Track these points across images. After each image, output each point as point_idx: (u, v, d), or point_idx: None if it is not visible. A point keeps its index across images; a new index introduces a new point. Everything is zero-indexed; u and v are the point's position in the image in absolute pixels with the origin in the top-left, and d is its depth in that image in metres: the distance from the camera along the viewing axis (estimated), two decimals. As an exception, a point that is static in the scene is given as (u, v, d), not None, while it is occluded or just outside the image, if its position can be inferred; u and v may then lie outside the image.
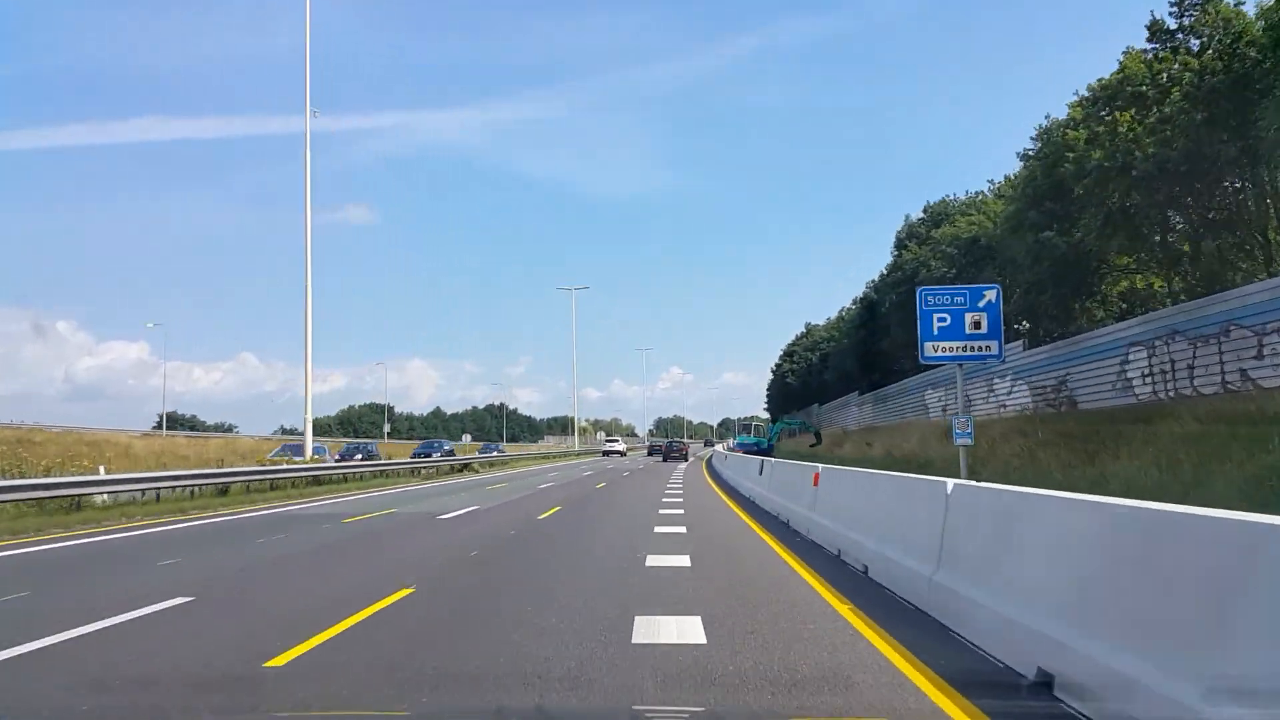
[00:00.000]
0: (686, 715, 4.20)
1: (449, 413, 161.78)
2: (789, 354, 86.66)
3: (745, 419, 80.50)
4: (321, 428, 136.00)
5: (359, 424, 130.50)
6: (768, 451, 48.53)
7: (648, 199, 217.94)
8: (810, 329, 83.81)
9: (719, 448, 70.17)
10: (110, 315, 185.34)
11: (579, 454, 76.00)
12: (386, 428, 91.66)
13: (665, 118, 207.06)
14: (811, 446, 49.66)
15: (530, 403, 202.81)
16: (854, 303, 60.45)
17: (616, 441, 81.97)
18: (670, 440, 77.57)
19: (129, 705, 4.61)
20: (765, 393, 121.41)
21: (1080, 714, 3.87)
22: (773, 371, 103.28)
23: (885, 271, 47.53)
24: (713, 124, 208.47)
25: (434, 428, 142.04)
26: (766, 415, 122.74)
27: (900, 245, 45.47)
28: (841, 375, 59.44)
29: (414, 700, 4.48)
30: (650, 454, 68.27)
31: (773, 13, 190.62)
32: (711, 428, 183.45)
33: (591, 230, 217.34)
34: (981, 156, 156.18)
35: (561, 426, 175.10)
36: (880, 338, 47.11)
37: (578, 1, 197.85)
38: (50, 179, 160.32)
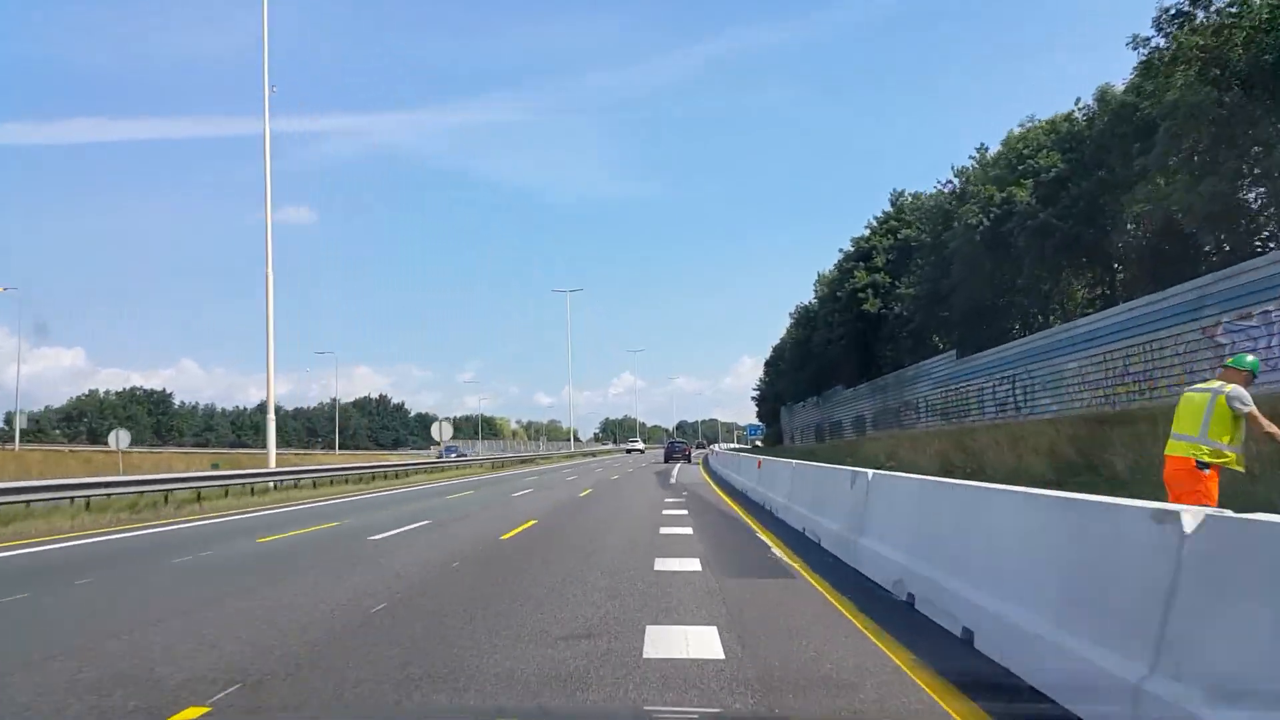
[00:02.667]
0: (693, 716, 3.94)
1: (292, 408, 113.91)
2: (847, 271, 40.47)
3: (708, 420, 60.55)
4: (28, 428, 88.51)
5: (115, 418, 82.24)
6: None
7: (605, 205, 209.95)
8: (897, 209, 38.34)
9: (718, 448, 61.48)
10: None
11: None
12: (123, 442, 42.61)
13: (623, 124, 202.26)
14: None
15: (477, 407, 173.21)
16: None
17: (638, 442, 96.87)
18: (672, 440, 69.82)
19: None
20: (760, 380, 78.05)
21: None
22: (798, 319, 57.23)
23: None
24: (668, 131, 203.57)
25: (252, 429, 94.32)
26: (755, 415, 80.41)
27: None
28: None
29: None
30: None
31: (734, 21, 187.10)
32: (667, 430, 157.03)
33: (548, 235, 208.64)
34: (941, 161, 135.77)
35: (474, 429, 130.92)
36: None
37: (537, 7, 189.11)
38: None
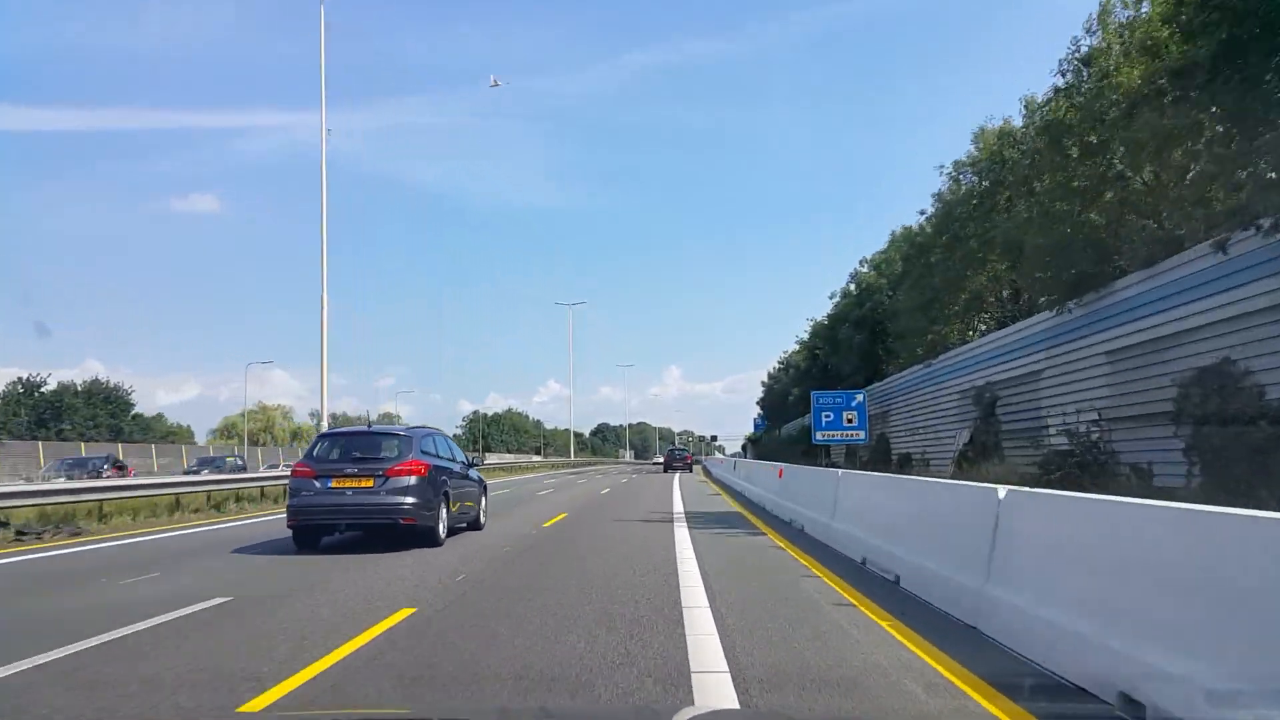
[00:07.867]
0: (693, 715, 4.13)
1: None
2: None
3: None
4: None
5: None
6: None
7: (538, 212, 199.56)
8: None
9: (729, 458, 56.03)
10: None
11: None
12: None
13: (556, 131, 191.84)
14: None
15: (404, 415, 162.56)
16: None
17: (658, 458, 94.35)
18: (672, 448, 67.31)
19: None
20: (768, 377, 73.47)
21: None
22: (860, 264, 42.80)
23: None
24: (606, 139, 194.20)
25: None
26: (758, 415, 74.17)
27: None
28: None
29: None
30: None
31: (674, 32, 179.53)
32: (578, 435, 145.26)
33: (476, 240, 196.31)
34: (904, 185, 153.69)
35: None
36: None
37: (469, 10, 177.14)
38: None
